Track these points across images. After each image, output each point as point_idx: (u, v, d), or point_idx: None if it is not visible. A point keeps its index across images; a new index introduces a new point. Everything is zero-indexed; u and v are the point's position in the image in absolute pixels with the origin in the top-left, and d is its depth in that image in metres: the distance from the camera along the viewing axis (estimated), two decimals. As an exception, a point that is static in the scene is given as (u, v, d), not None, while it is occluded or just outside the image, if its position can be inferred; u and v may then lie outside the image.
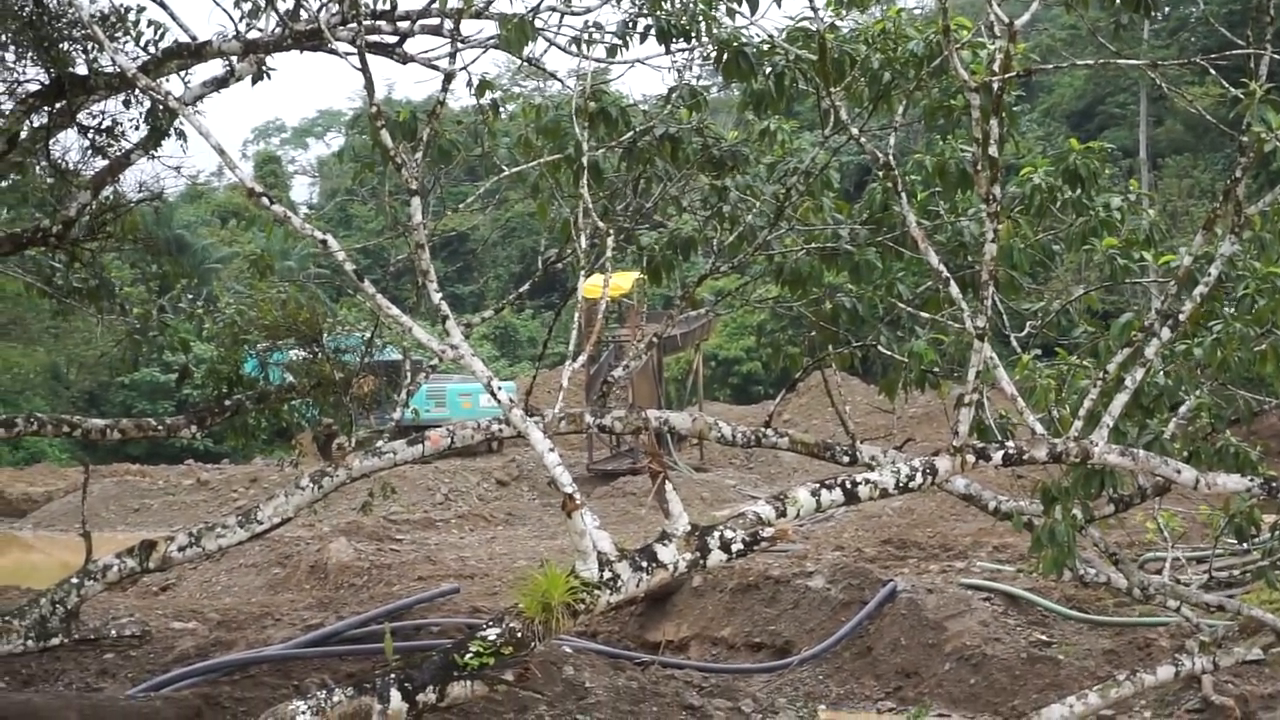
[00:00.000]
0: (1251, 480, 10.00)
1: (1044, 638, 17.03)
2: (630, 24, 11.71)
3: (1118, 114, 69.89)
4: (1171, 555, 14.20)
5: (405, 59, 12.82)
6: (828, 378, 12.77)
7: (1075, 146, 11.21)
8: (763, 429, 12.34)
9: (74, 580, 11.21)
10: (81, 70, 12.80)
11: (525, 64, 12.88)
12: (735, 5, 10.84)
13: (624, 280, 32.80)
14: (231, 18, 12.55)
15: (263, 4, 12.32)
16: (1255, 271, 10.37)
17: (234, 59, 12.89)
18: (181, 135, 13.98)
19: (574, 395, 12.05)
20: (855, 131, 10.38)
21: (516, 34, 11.08)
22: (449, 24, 11.55)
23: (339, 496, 12.85)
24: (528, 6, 11.60)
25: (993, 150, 9.40)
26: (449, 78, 10.77)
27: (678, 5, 11.12)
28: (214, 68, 13.15)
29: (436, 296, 9.41)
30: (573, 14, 12.24)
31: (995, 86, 9.38)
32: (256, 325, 14.22)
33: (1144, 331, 9.89)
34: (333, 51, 11.21)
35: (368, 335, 13.98)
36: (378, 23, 12.34)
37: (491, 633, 8.13)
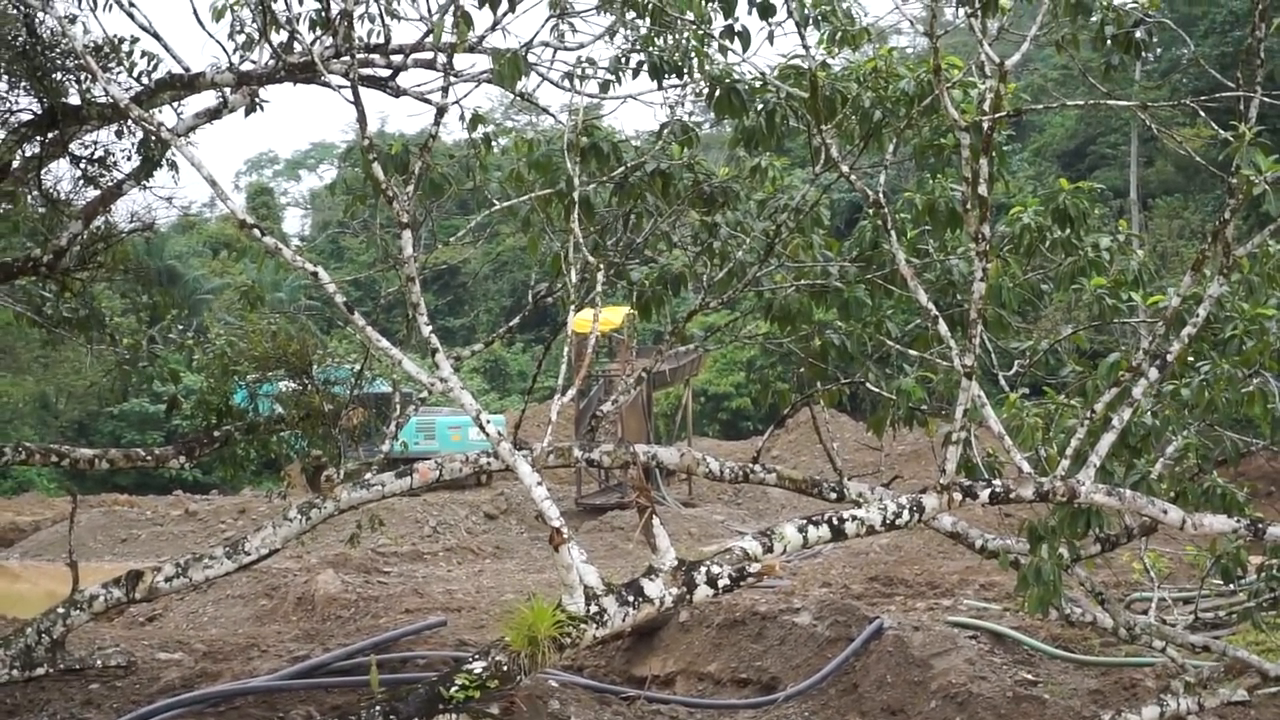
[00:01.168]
0: (1238, 521, 10.01)
1: (1030, 677, 17.00)
2: (623, 60, 11.74)
3: (1109, 154, 70.05)
4: (1157, 595, 14.21)
5: (398, 92, 12.85)
6: (816, 414, 12.79)
7: (1065, 186, 11.26)
8: (751, 465, 12.35)
9: (60, 610, 11.20)
10: (74, 100, 12.81)
11: (518, 99, 12.91)
12: (727, 42, 10.87)
13: (614, 315, 32.87)
14: (225, 49, 12.58)
15: (256, 36, 12.33)
16: (1243, 313, 10.39)
17: (227, 91, 12.91)
18: (173, 166, 14.01)
19: (563, 429, 12.07)
20: (846, 169, 10.40)
21: (510, 69, 11.11)
22: (442, 58, 11.58)
23: (327, 528, 12.86)
24: (521, 42, 11.63)
25: (983, 189, 9.43)
26: (441, 111, 10.81)
27: (670, 42, 11.14)
28: (207, 99, 13.17)
29: (427, 329, 9.43)
30: (566, 49, 12.28)
31: (986, 126, 9.41)
32: (246, 356, 14.23)
33: (1131, 371, 9.91)
34: (326, 84, 11.21)
35: (357, 367, 13.99)
36: (371, 56, 12.37)
37: (478, 666, 8.14)
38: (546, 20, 11.95)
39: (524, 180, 11.42)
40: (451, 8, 10.84)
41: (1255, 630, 16.39)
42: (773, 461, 12.71)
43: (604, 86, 12.15)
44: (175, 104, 13.29)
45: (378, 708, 8.04)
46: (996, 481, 9.70)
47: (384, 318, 13.25)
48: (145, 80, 12.77)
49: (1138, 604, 15.33)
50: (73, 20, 12.60)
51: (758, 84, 10.76)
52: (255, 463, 14.46)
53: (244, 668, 17.26)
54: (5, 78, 12.83)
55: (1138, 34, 9.94)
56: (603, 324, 12.25)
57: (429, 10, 11.73)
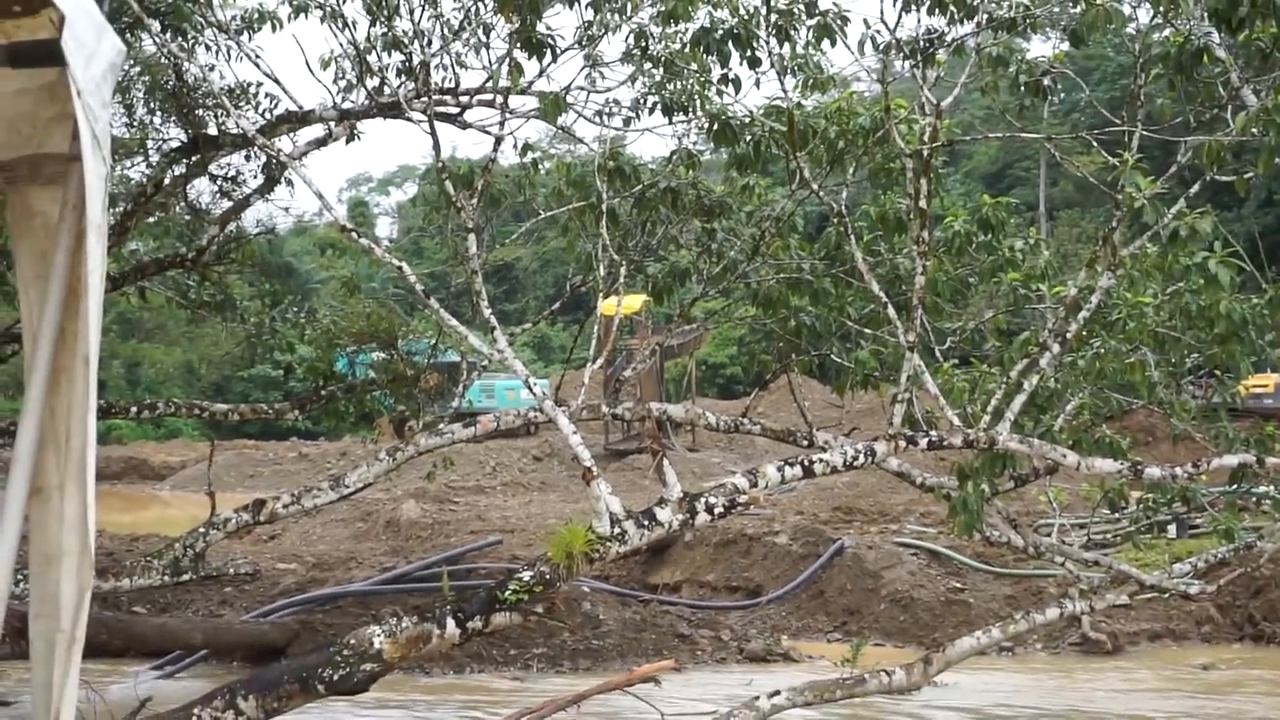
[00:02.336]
0: (1122, 464, 9.98)
1: (959, 585, 17.03)
2: (641, 101, 11.72)
3: (1023, 176, 69.76)
4: (1059, 522, 14.16)
5: (465, 126, 12.81)
6: (792, 380, 12.76)
7: (988, 201, 11.21)
8: (740, 419, 12.33)
9: (201, 530, 11.21)
10: (212, 131, 12.80)
11: (559, 131, 12.88)
12: (723, 87, 10.83)
13: (634, 301, 32.63)
14: (330, 92, 12.57)
15: (354, 81, 12.32)
16: (1126, 301, 10.37)
17: (332, 124, 12.89)
18: (290, 183, 14.04)
19: (594, 391, 12.03)
20: (815, 187, 10.37)
21: (552, 108, 11.08)
22: (500, 99, 11.55)
23: (409, 467, 12.86)
24: (561, 86, 11.61)
25: (923, 203, 9.40)
26: (499, 141, 10.81)
27: (678, 86, 11.11)
28: (316, 130, 13.16)
29: (487, 312, 9.43)
30: (596, 92, 12.26)
31: (925, 153, 9.37)
32: (347, 333, 14.27)
33: (1039, 346, 9.88)
34: (409, 120, 11.21)
35: (433, 342, 14.00)
36: (444, 97, 12.33)
37: (526, 575, 8.12)
38: (581, 69, 11.94)
39: (563, 195, 11.39)
40: (507, 60, 10.82)
41: (1135, 549, 16.38)
42: (758, 416, 12.65)
43: (626, 122, 12.14)
44: (291, 134, 13.28)
45: (449, 607, 8.04)
46: (933, 432, 9.66)
47: (454, 303, 13.21)
48: (268, 115, 12.77)
49: (1043, 528, 15.31)
50: (211, 68, 12.61)
51: (747, 120, 10.71)
52: (353, 415, 14.46)
53: (344, 576, 17.35)
54: (158, 113, 12.83)
55: (1045, 81, 9.87)
56: (625, 308, 12.24)
57: (490, 61, 11.74)
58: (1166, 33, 9.21)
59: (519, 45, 10.63)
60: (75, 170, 2.83)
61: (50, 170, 3.01)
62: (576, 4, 10.49)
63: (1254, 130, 8.86)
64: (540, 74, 11.50)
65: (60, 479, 2.93)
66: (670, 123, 11.25)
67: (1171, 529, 18.10)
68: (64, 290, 2.88)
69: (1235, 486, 11.22)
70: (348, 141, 13.37)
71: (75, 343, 2.89)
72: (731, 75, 10.61)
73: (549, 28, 10.74)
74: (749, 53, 10.04)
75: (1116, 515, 17.34)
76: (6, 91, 3.00)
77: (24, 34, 2.83)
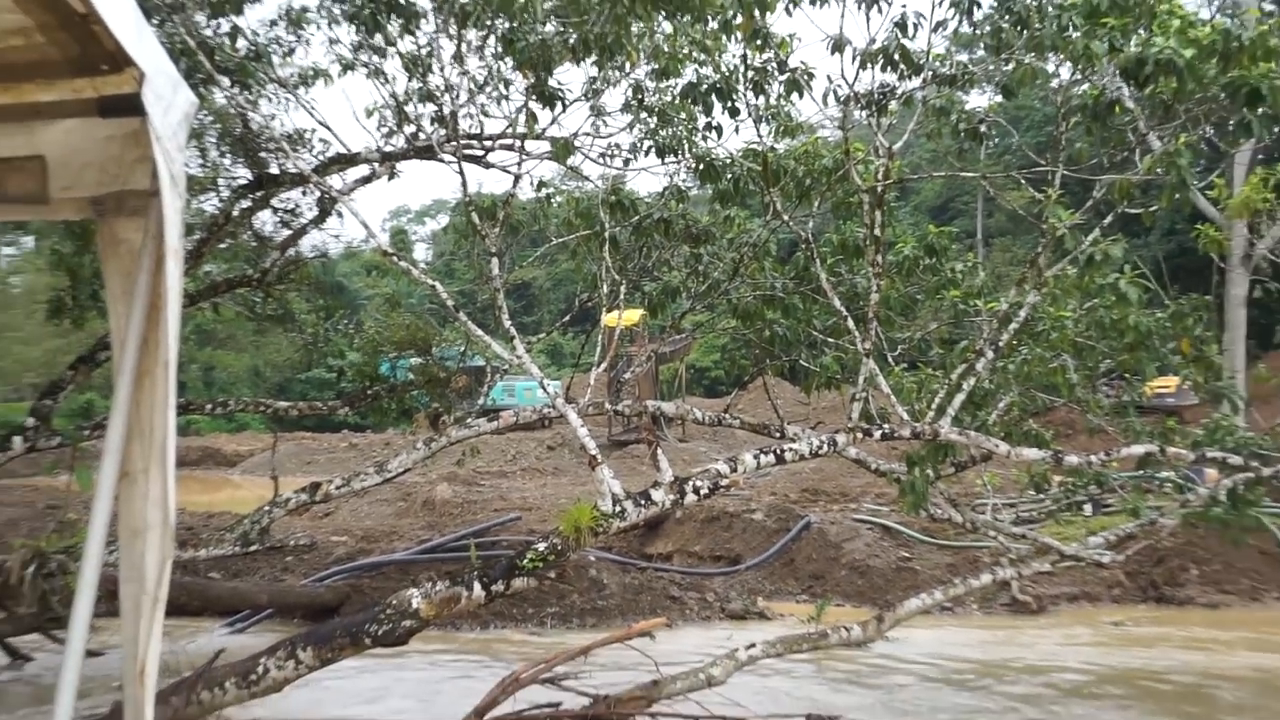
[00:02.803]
0: (1045, 453, 9.99)
1: (907, 555, 16.99)
2: (638, 144, 11.73)
3: (963, 208, 69.66)
4: (992, 502, 14.21)
5: (488, 166, 12.83)
6: (766, 381, 12.78)
7: (932, 230, 11.23)
8: (723, 414, 12.34)
9: (266, 508, 11.22)
10: (274, 171, 12.81)
11: (569, 170, 12.89)
12: (708, 133, 10.83)
13: (633, 315, 32.69)
14: (373, 137, 12.60)
15: (394, 128, 12.34)
16: (1050, 315, 10.38)
17: (375, 165, 12.90)
18: (340, 215, 14.06)
19: (598, 391, 12.03)
20: (786, 218, 10.38)
21: (562, 151, 11.11)
22: (518, 143, 11.56)
23: (442, 455, 12.86)
24: (570, 132, 11.62)
25: (877, 232, 9.42)
26: (517, 179, 10.81)
27: (670, 132, 11.11)
28: (362, 170, 13.17)
29: (508, 324, 9.43)
30: (600, 137, 12.27)
31: (879, 190, 9.40)
32: (389, 341, 14.28)
33: (976, 353, 9.90)
34: (440, 160, 11.21)
35: (462, 349, 14.02)
36: (470, 141, 12.35)
37: (541, 546, 8.12)
38: (587, 118, 11.98)
39: (572, 225, 11.40)
40: (524, 110, 10.83)
41: (1056, 525, 16.38)
42: (738, 412, 12.65)
43: (625, 162, 12.17)
44: (341, 173, 13.30)
45: (475, 573, 8.04)
46: (886, 426, 9.67)
47: (480, 316, 13.22)
48: (321, 157, 12.78)
49: (979, 507, 15.31)
50: (273, 117, 12.66)
51: (728, 161, 10.71)
52: (395, 411, 14.46)
53: (387, 547, 17.32)
54: (228, 155, 12.85)
55: (981, 128, 9.88)
56: (625, 321, 12.25)
57: (509, 111, 11.76)
58: (1084, 87, 9.23)
59: (534, 97, 10.67)
60: (155, 204, 2.84)
61: (134, 204, 3.02)
62: (583, 62, 10.48)
63: (1158, 170, 8.90)
64: (552, 121, 11.55)
65: (145, 464, 2.94)
66: (663, 163, 11.27)
67: (1087, 508, 18.08)
68: (146, 305, 2.89)
69: (1141, 472, 11.24)
70: (389, 179, 13.39)
71: (157, 350, 2.90)
72: (715, 123, 10.63)
73: (559, 82, 10.78)
74: (729, 104, 10.04)
75: (1041, 496, 17.31)
76: (97, 137, 3.02)
77: (111, 89, 2.85)
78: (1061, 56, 9.17)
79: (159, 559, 2.87)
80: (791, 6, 9.46)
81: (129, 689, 2.88)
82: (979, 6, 9.25)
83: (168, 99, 2.78)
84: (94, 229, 3.07)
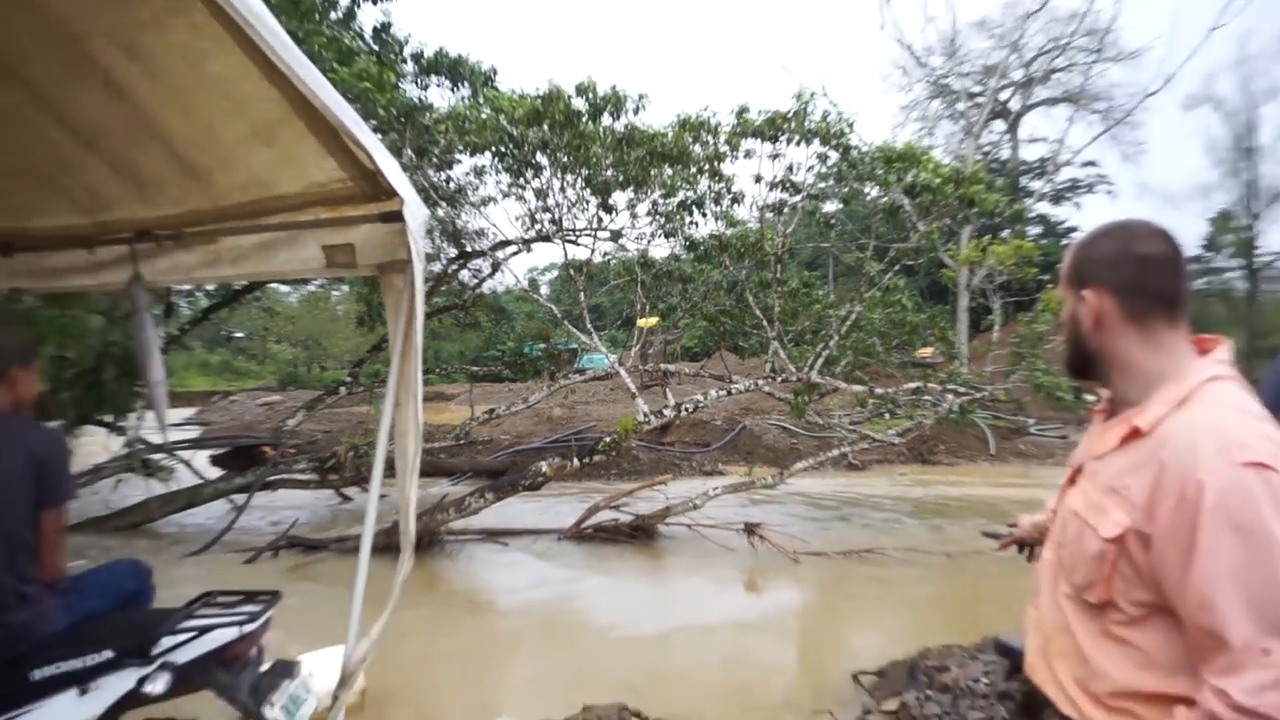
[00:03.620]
0: (864, 388, 9.88)
1: (794, 441, 16.91)
2: (656, 232, 11.62)
3: (823, 262, 68.53)
4: (839, 414, 14.03)
5: (576, 244, 12.67)
6: (722, 353, 12.72)
7: (807, 274, 11.15)
8: (699, 371, 12.27)
9: (467, 421, 11.20)
10: (468, 249, 12.78)
11: (618, 246, 12.78)
12: (692, 225, 10.69)
13: (652, 320, 32.57)
14: (518, 229, 12.46)
15: (529, 223, 12.26)
16: (866, 316, 10.23)
17: (519, 245, 12.83)
18: (503, 271, 13.95)
19: (635, 360, 12.02)
20: (731, 268, 10.31)
21: (615, 236, 11.00)
22: (592, 231, 11.50)
23: (557, 393, 12.89)
24: (619, 225, 11.50)
25: (778, 275, 9.33)
26: (592, 251, 10.76)
27: (672, 225, 10.99)
28: (513, 248, 13.10)
29: (589, 326, 9.42)
30: (634, 229, 12.13)
31: (779, 253, 9.31)
32: (528, 334, 14.28)
33: (829, 336, 9.77)
34: (553, 242, 11.14)
35: (565, 339, 14.00)
36: (567, 231, 12.24)
37: (608, 439, 8.14)
38: (629, 218, 11.77)
39: (621, 274, 11.38)
40: (595, 214, 10.75)
41: (871, 425, 16.18)
42: (707, 370, 12.60)
43: (648, 241, 12.03)
44: (502, 250, 13.24)
45: (574, 452, 8.08)
46: (783, 374, 9.60)
47: (574, 322, 13.30)
48: (492, 240, 12.67)
49: (831, 415, 15.24)
50: (468, 221, 12.56)
51: (701, 240, 10.60)
52: (531, 371, 14.47)
53: (529, 440, 17.33)
54: (446, 241, 12.77)
55: (831, 221, 9.81)
56: (648, 323, 12.20)
57: (588, 215, 11.65)
58: (884, 199, 9.12)
59: (600, 207, 10.59)
60: (409, 268, 2.86)
61: (398, 267, 3.03)
62: (627, 189, 10.39)
63: (922, 241, 8.79)
64: (610, 221, 11.44)
65: (406, 399, 2.97)
66: (668, 240, 11.21)
67: (887, 415, 17.93)
68: (406, 320, 2.90)
69: (914, 396, 11.15)
70: (527, 252, 13.33)
71: (411, 342, 2.92)
72: (694, 220, 10.55)
73: (613, 200, 10.69)
74: (702, 210, 9.97)
75: (863, 409, 17.21)
76: (380, 233, 3.04)
77: (387, 208, 2.87)
78: (872, 183, 9.06)
79: (414, 448, 2.90)
80: (732, 161, 9.35)
81: (401, 514, 2.92)
82: (827, 160, 9.13)
83: (415, 212, 2.79)
84: (379, 280, 3.09)
